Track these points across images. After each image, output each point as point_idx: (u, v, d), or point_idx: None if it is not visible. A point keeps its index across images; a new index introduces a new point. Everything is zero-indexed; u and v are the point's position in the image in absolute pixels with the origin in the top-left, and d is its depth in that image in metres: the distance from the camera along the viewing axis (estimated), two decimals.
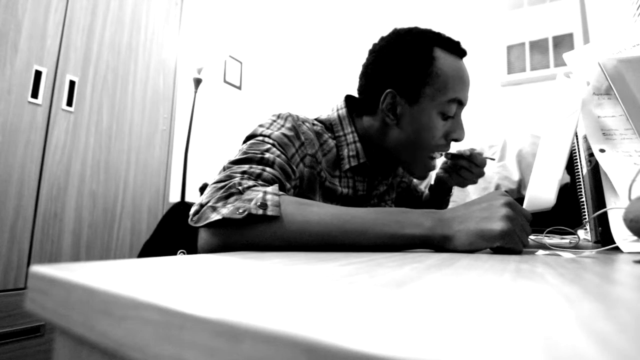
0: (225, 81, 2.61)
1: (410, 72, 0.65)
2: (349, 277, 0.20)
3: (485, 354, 0.08)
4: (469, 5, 2.62)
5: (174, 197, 1.76)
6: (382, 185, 0.78)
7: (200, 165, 2.26)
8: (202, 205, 0.45)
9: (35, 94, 1.18)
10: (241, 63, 2.77)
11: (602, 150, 0.46)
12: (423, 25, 0.71)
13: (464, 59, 0.69)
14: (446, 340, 0.09)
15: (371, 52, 0.71)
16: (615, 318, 0.12)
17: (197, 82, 2.06)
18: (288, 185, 0.55)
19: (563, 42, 2.26)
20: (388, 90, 0.66)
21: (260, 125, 0.60)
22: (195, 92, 2.06)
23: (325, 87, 3.02)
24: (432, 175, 0.91)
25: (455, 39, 0.69)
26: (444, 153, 0.75)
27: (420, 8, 2.75)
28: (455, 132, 0.68)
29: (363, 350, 0.08)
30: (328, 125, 0.70)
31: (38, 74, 1.19)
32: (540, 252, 0.44)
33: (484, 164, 0.77)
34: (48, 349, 1.14)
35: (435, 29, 0.70)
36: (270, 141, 0.56)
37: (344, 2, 3.09)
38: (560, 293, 0.16)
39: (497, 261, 0.31)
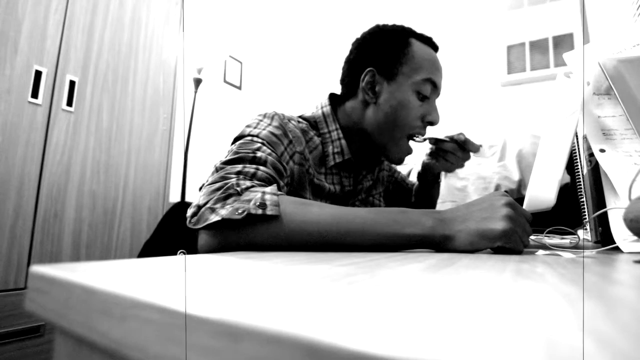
0: (225, 81, 2.61)
1: (388, 52, 0.69)
2: (349, 277, 0.20)
3: (486, 353, 0.08)
4: (469, 5, 2.62)
5: (174, 197, 1.76)
6: (367, 179, 0.79)
7: (200, 165, 2.26)
8: (199, 207, 0.45)
9: (35, 94, 1.18)
10: (241, 63, 2.77)
11: (602, 150, 0.46)
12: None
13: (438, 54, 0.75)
14: (447, 340, 0.09)
15: (353, 43, 0.76)
16: (616, 318, 0.12)
17: (197, 82, 2.06)
18: (282, 183, 0.55)
19: (563, 42, 2.26)
20: (368, 69, 0.70)
21: (248, 126, 0.60)
22: (195, 92, 2.06)
23: (326, 87, 3.02)
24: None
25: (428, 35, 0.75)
26: (428, 138, 0.76)
27: (421, 8, 2.75)
28: (430, 115, 0.71)
29: (363, 350, 0.08)
30: (312, 122, 0.71)
31: (38, 74, 1.19)
32: (541, 252, 0.44)
33: (475, 150, 0.77)
34: (48, 349, 1.14)
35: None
36: (260, 140, 0.56)
37: (344, 2, 3.09)
38: (561, 293, 0.16)
39: (497, 261, 0.31)
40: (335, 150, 0.69)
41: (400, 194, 0.96)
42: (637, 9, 0.83)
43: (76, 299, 0.16)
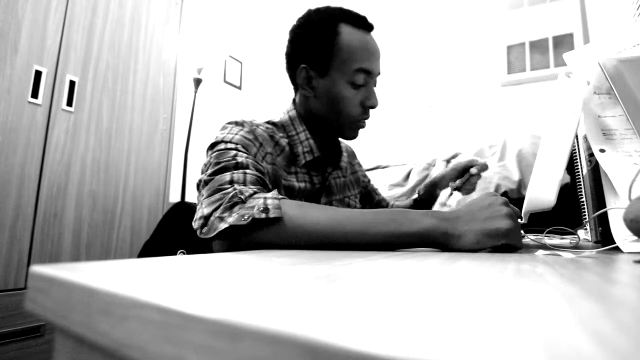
0: (225, 81, 2.61)
1: (317, 47, 0.69)
2: (349, 277, 0.20)
3: (486, 353, 0.08)
4: (469, 5, 2.62)
5: (174, 197, 1.76)
6: (333, 176, 0.79)
7: (200, 165, 2.26)
8: (206, 218, 0.48)
9: (35, 94, 1.18)
10: (241, 63, 2.77)
11: (602, 150, 0.46)
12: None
13: (373, 32, 0.74)
14: (446, 340, 0.09)
15: (290, 32, 0.75)
16: (615, 318, 0.12)
17: (197, 82, 2.06)
18: (267, 182, 0.58)
19: (563, 42, 2.26)
20: (302, 65, 0.71)
21: (220, 133, 0.63)
22: (195, 92, 2.06)
23: None
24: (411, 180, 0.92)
25: (362, 14, 0.73)
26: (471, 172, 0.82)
27: (421, 8, 2.75)
28: (369, 100, 0.71)
29: (363, 350, 0.08)
30: (280, 126, 0.73)
31: (38, 74, 1.19)
32: (541, 252, 0.44)
33: (486, 168, 0.83)
34: (48, 349, 1.14)
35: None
36: (233, 145, 0.59)
37: (344, 2, 3.09)
38: (560, 293, 0.16)
39: (497, 261, 0.31)
40: (305, 149, 0.72)
41: (368, 202, 0.98)
42: (637, 9, 0.83)
43: (76, 299, 0.16)
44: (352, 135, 0.75)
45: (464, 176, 0.83)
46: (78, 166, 1.30)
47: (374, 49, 0.71)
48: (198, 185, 0.56)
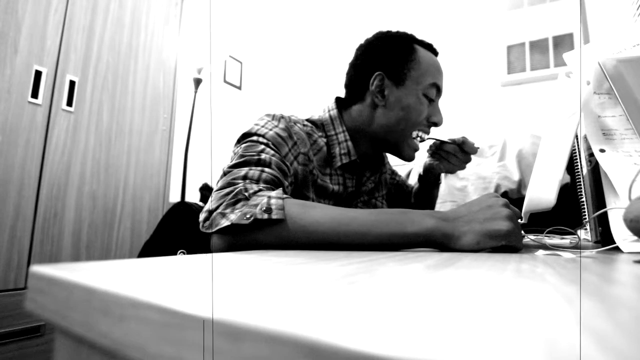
0: (225, 81, 2.61)
1: (396, 57, 0.72)
2: (349, 277, 0.20)
3: (486, 353, 0.08)
4: (469, 5, 2.62)
5: (174, 197, 1.76)
6: (369, 181, 0.81)
7: (200, 165, 2.26)
8: (210, 212, 0.48)
9: (35, 94, 1.18)
10: (241, 63, 2.77)
11: (602, 150, 0.46)
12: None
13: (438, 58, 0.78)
14: (447, 340, 0.09)
15: (358, 48, 0.78)
16: (615, 318, 0.12)
17: (197, 82, 2.06)
18: (286, 183, 0.57)
19: (563, 42, 2.26)
20: (377, 72, 0.72)
21: (256, 124, 0.62)
22: (195, 92, 2.06)
23: (325, 87, 3.02)
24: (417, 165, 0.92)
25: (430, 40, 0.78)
26: (430, 138, 0.80)
27: (421, 8, 2.75)
28: (435, 116, 0.75)
29: (363, 350, 0.08)
30: (319, 124, 0.73)
31: (38, 74, 1.19)
32: (541, 252, 0.44)
33: (474, 152, 0.81)
34: (48, 349, 1.14)
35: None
36: (264, 141, 0.59)
37: (344, 2, 3.09)
38: (560, 293, 0.16)
39: (497, 261, 0.31)
40: (342, 151, 0.72)
41: (401, 196, 0.97)
42: (637, 9, 0.83)
43: (76, 299, 0.16)
44: (408, 155, 0.75)
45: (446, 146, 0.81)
46: (78, 166, 1.30)
47: (442, 70, 0.76)
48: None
